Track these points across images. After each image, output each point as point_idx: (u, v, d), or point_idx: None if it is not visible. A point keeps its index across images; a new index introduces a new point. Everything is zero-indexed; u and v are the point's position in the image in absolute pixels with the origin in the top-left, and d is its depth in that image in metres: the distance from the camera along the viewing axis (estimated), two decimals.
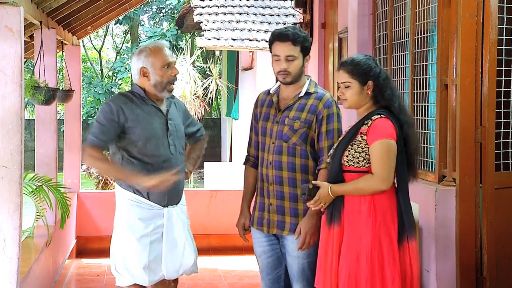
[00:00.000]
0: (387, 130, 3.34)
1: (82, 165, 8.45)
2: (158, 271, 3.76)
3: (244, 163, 3.92)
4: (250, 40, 10.61)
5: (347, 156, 3.39)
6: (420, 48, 4.55)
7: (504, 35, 4.18)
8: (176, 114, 3.92)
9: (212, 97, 12.95)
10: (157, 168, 3.71)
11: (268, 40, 3.75)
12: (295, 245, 3.65)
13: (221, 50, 14.43)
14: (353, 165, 3.38)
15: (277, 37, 3.63)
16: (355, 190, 3.37)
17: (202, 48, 10.98)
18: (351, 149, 3.39)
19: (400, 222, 3.36)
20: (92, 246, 7.27)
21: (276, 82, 3.79)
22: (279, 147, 3.66)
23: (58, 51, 6.64)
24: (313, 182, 3.45)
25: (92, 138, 3.69)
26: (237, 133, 12.98)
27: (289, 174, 3.64)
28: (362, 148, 3.37)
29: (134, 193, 3.72)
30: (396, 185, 3.41)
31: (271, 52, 3.69)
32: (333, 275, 3.39)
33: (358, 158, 3.37)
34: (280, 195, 3.67)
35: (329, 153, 3.54)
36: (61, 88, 6.42)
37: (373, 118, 3.38)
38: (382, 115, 3.37)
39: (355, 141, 3.39)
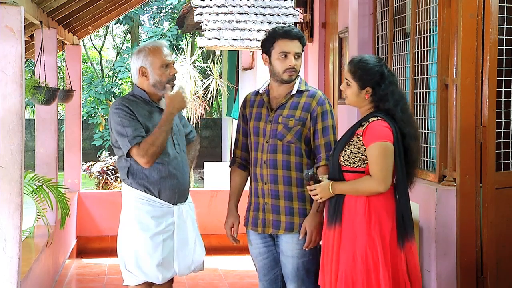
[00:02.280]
0: (383, 132, 3.35)
1: (82, 164, 8.45)
2: (171, 268, 3.77)
3: (230, 165, 3.93)
4: (250, 40, 10.61)
5: (343, 156, 3.42)
6: (421, 48, 4.55)
7: (504, 35, 4.18)
8: None
9: (213, 97, 12.94)
10: (166, 167, 3.72)
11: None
12: (290, 244, 3.66)
13: (221, 50, 14.43)
14: (349, 165, 3.41)
15: (286, 34, 3.63)
16: (353, 190, 3.39)
17: (202, 48, 10.99)
18: (348, 149, 3.41)
19: (398, 223, 3.37)
20: (93, 246, 7.28)
21: (272, 81, 3.77)
22: (274, 146, 3.66)
23: (58, 51, 6.64)
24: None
25: (131, 140, 3.62)
26: None
27: (284, 173, 3.65)
28: (358, 149, 3.39)
29: (145, 191, 3.72)
30: (394, 186, 3.42)
31: (271, 49, 3.66)
32: (332, 275, 3.41)
33: (354, 158, 3.40)
34: (275, 194, 3.67)
35: (330, 153, 3.57)
36: (61, 88, 6.43)
37: (370, 120, 3.40)
38: (379, 117, 3.39)
39: (352, 142, 3.41)
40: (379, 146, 3.33)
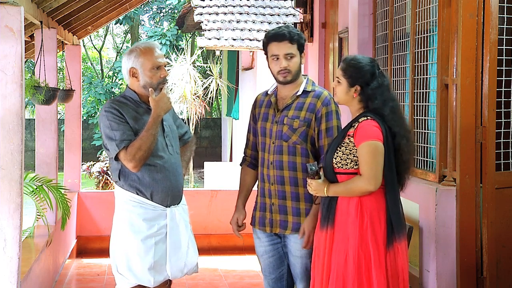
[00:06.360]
0: (373, 131, 3.36)
1: (82, 164, 8.45)
2: (163, 272, 3.74)
3: (241, 164, 3.95)
4: (250, 40, 10.62)
5: (335, 158, 3.43)
6: (421, 48, 4.55)
7: (504, 35, 4.18)
8: (168, 116, 3.87)
9: (213, 97, 12.93)
10: (159, 169, 3.69)
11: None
12: (298, 244, 3.67)
13: (221, 50, 14.42)
14: (342, 167, 3.42)
15: (274, 37, 3.67)
16: (345, 191, 3.40)
17: (202, 48, 10.99)
18: (339, 151, 3.42)
19: (388, 223, 3.38)
20: (93, 246, 7.28)
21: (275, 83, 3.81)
22: (280, 147, 3.68)
23: (58, 51, 6.63)
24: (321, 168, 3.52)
25: (119, 144, 3.59)
26: (237, 133, 13.00)
27: (290, 174, 3.66)
28: (350, 150, 3.40)
29: (137, 194, 3.69)
30: (384, 186, 3.41)
31: (266, 54, 3.72)
32: (324, 276, 3.42)
33: (346, 160, 3.41)
34: (282, 194, 3.69)
35: (323, 156, 3.58)
36: (61, 88, 6.43)
37: (360, 120, 3.41)
38: (368, 117, 3.40)
39: (343, 143, 3.42)
40: (369, 145, 3.34)
